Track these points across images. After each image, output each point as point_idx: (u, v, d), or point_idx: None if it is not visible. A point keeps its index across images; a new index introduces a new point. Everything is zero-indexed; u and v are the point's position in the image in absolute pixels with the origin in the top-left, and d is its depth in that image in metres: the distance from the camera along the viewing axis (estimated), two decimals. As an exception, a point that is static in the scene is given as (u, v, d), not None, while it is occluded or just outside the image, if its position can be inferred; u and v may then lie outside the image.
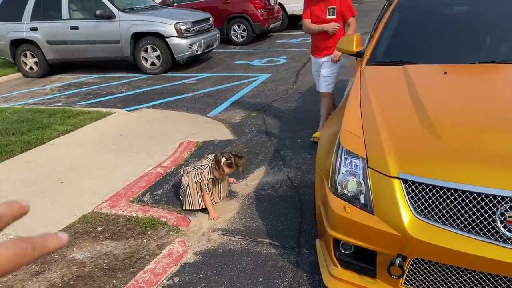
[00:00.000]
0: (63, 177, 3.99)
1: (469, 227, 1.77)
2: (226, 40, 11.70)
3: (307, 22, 4.35)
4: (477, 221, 1.75)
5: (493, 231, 1.73)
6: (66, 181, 3.91)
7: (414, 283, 1.97)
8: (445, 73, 2.79)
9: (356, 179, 2.03)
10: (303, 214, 3.20)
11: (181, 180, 3.37)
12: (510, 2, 3.38)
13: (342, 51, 3.59)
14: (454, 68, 2.89)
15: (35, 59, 9.29)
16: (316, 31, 4.28)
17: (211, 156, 3.40)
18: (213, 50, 10.02)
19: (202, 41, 8.82)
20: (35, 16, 9.05)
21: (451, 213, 1.80)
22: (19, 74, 9.66)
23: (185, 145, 4.60)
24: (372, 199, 1.95)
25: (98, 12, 8.41)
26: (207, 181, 3.24)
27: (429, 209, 1.84)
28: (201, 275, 2.60)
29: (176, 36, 8.35)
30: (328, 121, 2.70)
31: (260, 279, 2.53)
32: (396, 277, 1.93)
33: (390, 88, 2.74)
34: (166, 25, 8.33)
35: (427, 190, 1.84)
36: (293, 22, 13.32)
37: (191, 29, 8.64)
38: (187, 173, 3.32)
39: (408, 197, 1.87)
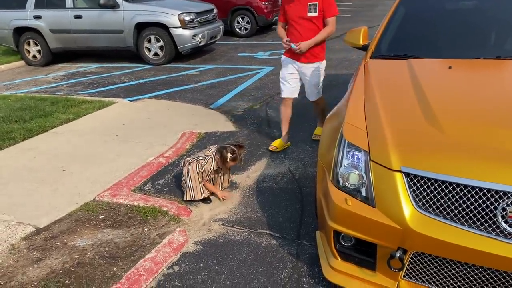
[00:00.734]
0: (65, 165, 4.00)
1: (470, 222, 1.77)
2: (229, 32, 11.67)
3: (279, 25, 4.12)
4: (478, 216, 1.75)
5: (494, 226, 1.73)
6: (68, 169, 3.92)
7: (414, 276, 1.98)
8: (450, 67, 2.78)
9: (358, 172, 2.03)
10: (303, 206, 3.20)
11: (183, 171, 3.37)
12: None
13: (349, 44, 3.57)
14: (458, 63, 2.88)
15: (38, 48, 9.29)
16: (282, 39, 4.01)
17: (213, 148, 3.40)
18: (216, 42, 9.99)
19: (206, 32, 8.80)
20: (38, 4, 9.03)
21: (452, 207, 1.80)
22: (22, 62, 9.66)
23: (187, 136, 4.60)
24: (374, 192, 1.95)
25: (102, 1, 8.39)
26: (209, 172, 3.26)
27: (431, 203, 1.84)
28: (201, 265, 2.61)
29: (180, 27, 8.33)
30: (331, 114, 2.70)
31: (260, 269, 2.54)
32: (396, 270, 1.93)
33: (394, 81, 2.73)
34: (170, 15, 8.31)
35: (429, 184, 1.84)
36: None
37: (195, 20, 8.61)
38: (189, 164, 3.32)
39: (409, 191, 1.87)
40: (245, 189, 3.52)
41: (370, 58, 3.19)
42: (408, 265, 1.95)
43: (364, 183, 2.00)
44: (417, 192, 1.86)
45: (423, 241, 1.82)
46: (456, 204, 1.79)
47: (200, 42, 8.68)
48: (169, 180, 3.71)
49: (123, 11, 8.44)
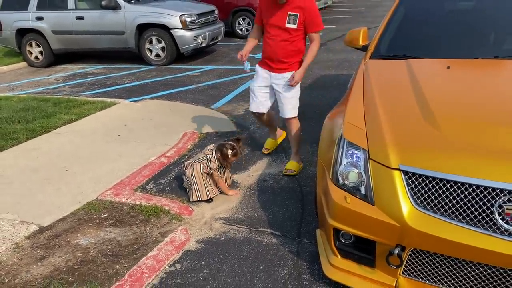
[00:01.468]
0: (68, 165, 4.04)
1: (468, 219, 1.80)
2: (230, 33, 11.71)
3: (254, 28, 3.78)
4: (476, 213, 1.78)
5: (491, 223, 1.76)
6: (71, 169, 3.96)
7: (412, 273, 2.01)
8: (448, 67, 2.81)
9: (357, 170, 2.06)
10: (304, 205, 3.23)
11: (186, 173, 3.40)
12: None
13: (349, 45, 3.60)
14: (457, 63, 2.90)
15: (41, 49, 9.33)
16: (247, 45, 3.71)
17: (211, 147, 3.44)
18: (218, 43, 10.02)
19: (207, 33, 8.83)
20: (41, 6, 9.08)
21: (450, 204, 1.83)
22: (24, 63, 9.71)
23: (188, 136, 4.63)
24: (373, 190, 1.98)
25: (103, 2, 8.43)
26: (216, 170, 3.31)
27: (429, 200, 1.86)
28: (203, 262, 2.64)
29: (181, 28, 8.36)
30: (331, 114, 2.73)
31: (261, 267, 2.57)
32: (395, 267, 1.96)
33: (393, 81, 2.76)
34: (171, 16, 8.35)
35: (427, 181, 1.87)
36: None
37: (196, 21, 8.65)
38: (191, 166, 3.35)
39: (408, 189, 1.90)
40: (246, 188, 3.55)
41: (370, 58, 3.22)
42: (406, 262, 1.98)
43: (363, 181, 2.03)
44: (415, 190, 1.89)
45: (421, 238, 1.85)
46: (454, 202, 1.82)
47: (201, 43, 8.72)
48: (171, 179, 3.74)
49: (124, 13, 8.49)
